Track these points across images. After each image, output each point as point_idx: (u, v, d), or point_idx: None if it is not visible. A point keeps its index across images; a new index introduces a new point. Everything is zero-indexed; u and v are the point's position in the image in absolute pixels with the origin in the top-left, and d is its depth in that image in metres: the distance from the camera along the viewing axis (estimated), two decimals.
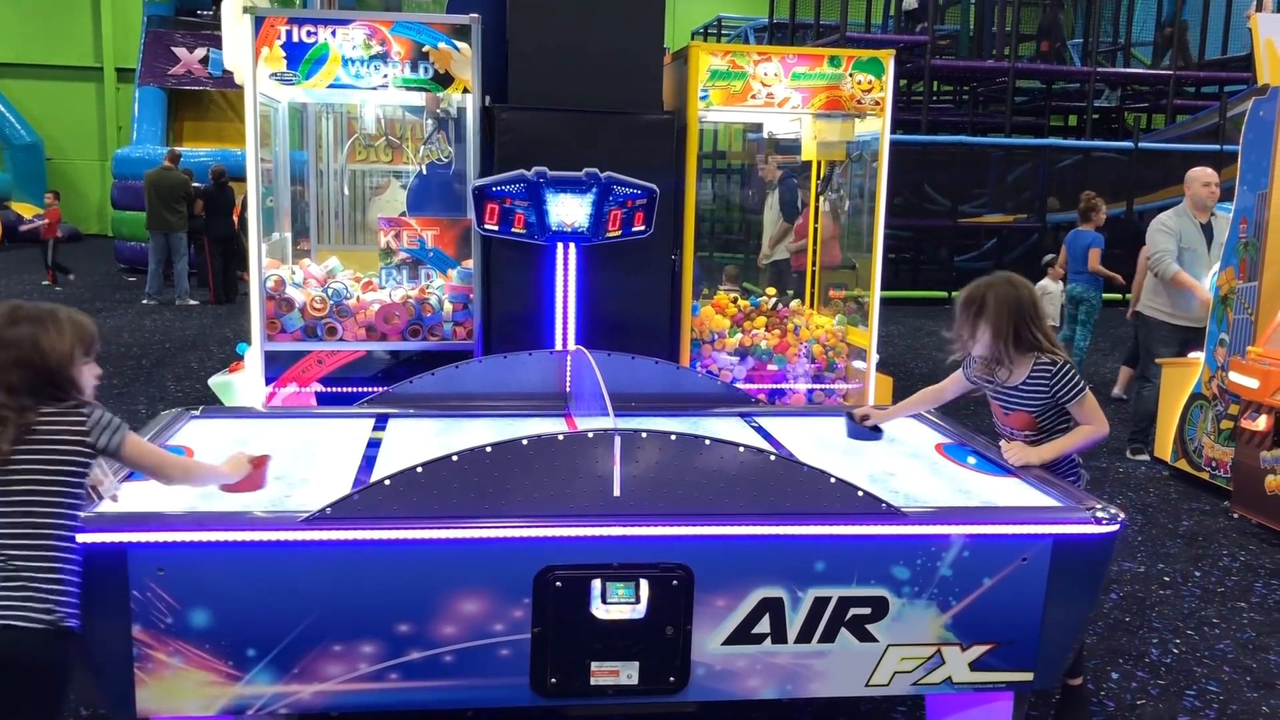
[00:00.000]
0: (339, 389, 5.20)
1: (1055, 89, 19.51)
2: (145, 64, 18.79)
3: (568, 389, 4.20)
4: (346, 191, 7.10)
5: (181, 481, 2.88)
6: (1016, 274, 3.58)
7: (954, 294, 11.63)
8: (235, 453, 3.02)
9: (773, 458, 2.98)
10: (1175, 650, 4.42)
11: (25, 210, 20.45)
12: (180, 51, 18.76)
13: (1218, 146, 15.25)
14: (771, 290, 6.25)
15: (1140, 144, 16.26)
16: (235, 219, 13.53)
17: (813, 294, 6.74)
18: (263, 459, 3.02)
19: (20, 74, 23.31)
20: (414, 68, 5.15)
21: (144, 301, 13.56)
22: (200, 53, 18.58)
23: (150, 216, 13.61)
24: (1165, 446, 7.03)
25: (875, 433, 3.82)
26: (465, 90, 5.22)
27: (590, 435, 2.87)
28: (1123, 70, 19.30)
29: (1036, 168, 16.69)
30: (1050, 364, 3.44)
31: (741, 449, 2.93)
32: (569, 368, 4.21)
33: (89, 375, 2.72)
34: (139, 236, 15.41)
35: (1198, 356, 6.81)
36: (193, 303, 13.58)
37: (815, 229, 6.73)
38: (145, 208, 13.77)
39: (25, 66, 23.34)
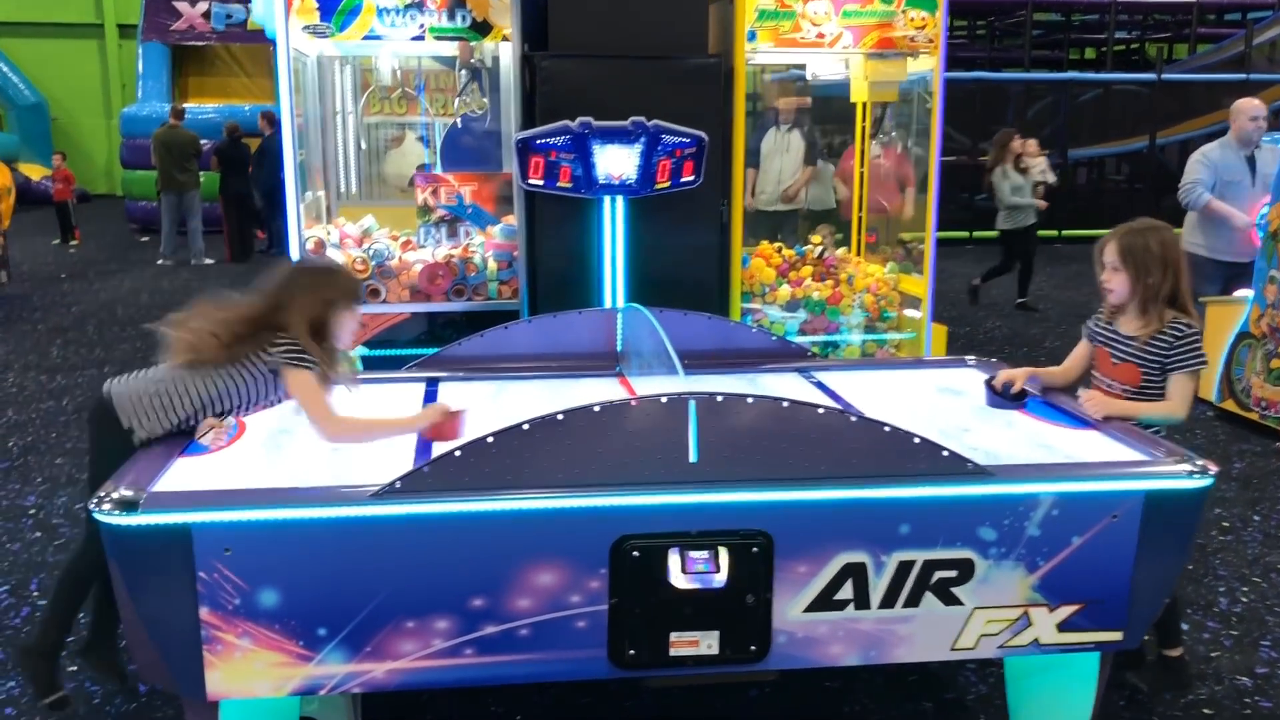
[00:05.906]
0: (384, 352, 5.09)
1: (1074, 21, 19.15)
2: (147, 19, 18.46)
3: (619, 348, 4.08)
4: (364, 145, 6.92)
5: (342, 438, 2.95)
6: (1162, 221, 3.46)
7: (975, 234, 11.49)
8: (433, 406, 3.15)
9: (854, 419, 2.87)
10: (1244, 599, 4.34)
11: (33, 172, 20.24)
12: (182, 6, 18.41)
13: (1244, 75, 14.94)
14: (816, 238, 6.08)
15: (1163, 75, 15.93)
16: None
17: (858, 242, 6.58)
18: (458, 412, 3.09)
19: (20, 32, 22.94)
20: (451, 16, 4.96)
21: (159, 262, 13.44)
22: (202, 7, 18.25)
23: (161, 176, 13.44)
24: (1209, 386, 6.91)
25: (1018, 400, 3.56)
26: (504, 38, 5.02)
27: (664, 400, 2.76)
28: (1144, 0, 18.90)
29: (1057, 102, 16.39)
30: (1185, 326, 3.36)
31: (821, 410, 2.81)
32: (620, 326, 4.10)
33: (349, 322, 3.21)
34: (149, 196, 15.26)
35: (1245, 294, 6.66)
36: (209, 262, 13.46)
37: (861, 174, 6.55)
38: (156, 168, 13.60)
39: (25, 25, 22.98)
